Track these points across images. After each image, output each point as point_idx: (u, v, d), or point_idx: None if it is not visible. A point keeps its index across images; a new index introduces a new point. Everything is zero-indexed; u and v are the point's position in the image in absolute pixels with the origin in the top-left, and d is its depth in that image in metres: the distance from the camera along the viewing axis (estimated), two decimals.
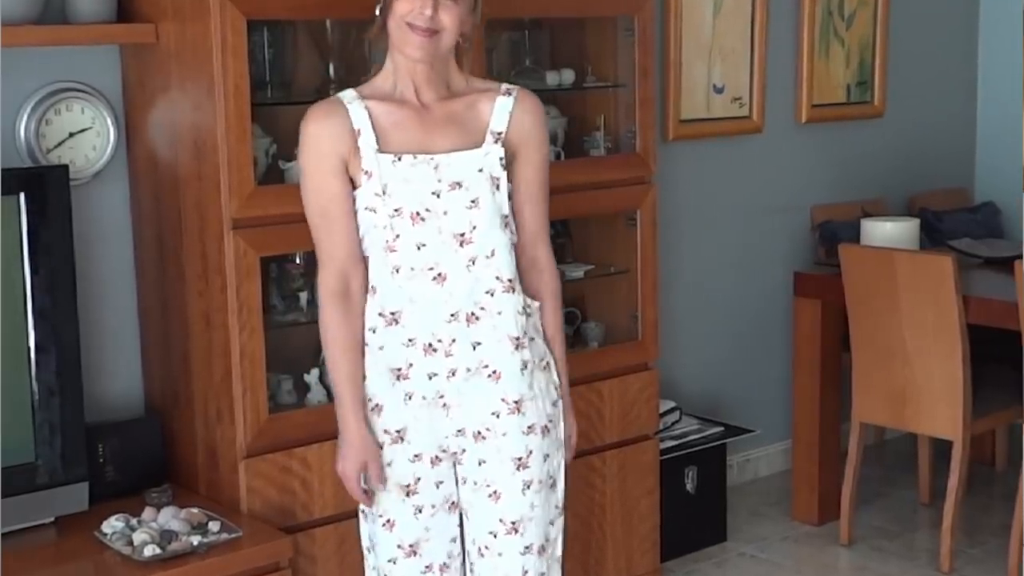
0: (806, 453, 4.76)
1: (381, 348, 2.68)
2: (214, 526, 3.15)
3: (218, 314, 3.28)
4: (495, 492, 2.71)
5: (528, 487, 2.71)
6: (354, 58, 3.61)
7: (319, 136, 2.65)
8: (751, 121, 5.03)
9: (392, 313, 2.65)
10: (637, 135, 4.00)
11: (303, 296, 3.52)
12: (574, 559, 3.93)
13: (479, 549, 2.75)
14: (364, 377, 2.71)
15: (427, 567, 2.76)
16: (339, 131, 2.64)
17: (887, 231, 4.62)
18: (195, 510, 3.21)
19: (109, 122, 3.46)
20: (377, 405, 2.71)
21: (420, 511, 2.73)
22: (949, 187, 5.69)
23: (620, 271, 4.09)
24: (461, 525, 2.80)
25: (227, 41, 3.16)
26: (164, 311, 3.50)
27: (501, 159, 2.68)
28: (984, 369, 4.36)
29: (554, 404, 2.77)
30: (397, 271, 2.63)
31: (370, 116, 2.65)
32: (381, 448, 2.71)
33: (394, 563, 2.76)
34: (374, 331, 2.68)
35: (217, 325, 3.29)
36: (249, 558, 3.11)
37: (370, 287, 2.67)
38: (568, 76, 4.01)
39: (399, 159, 2.62)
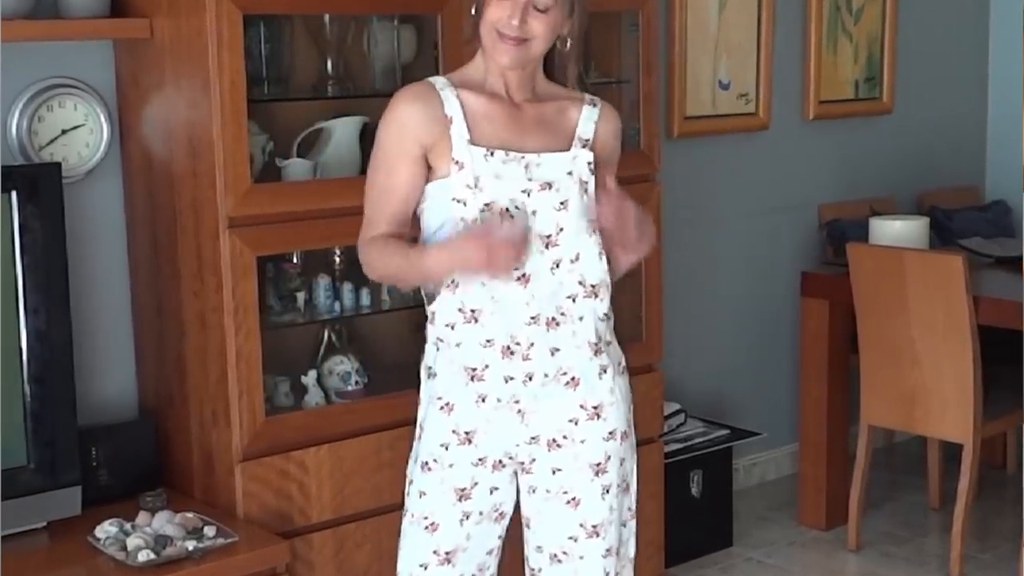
0: (813, 456, 4.76)
1: (458, 345, 2.65)
2: (210, 531, 3.15)
3: (214, 314, 3.28)
4: (574, 499, 2.71)
5: (607, 491, 2.72)
6: (353, 54, 3.61)
7: (406, 119, 2.64)
8: (757, 118, 5.02)
9: (472, 311, 2.63)
10: (641, 132, 3.99)
11: (300, 296, 3.52)
12: None
13: (552, 556, 2.74)
14: (433, 375, 2.70)
15: None
16: (428, 118, 2.63)
17: (896, 230, 4.62)
18: (190, 515, 3.21)
19: (102, 119, 3.46)
20: (448, 404, 2.68)
21: (468, 517, 2.71)
22: (959, 185, 5.69)
23: None
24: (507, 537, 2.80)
25: (223, 36, 3.16)
26: (159, 311, 3.49)
27: (589, 163, 2.68)
28: (995, 371, 4.36)
29: (631, 410, 2.77)
30: None
31: (462, 105, 2.65)
32: (446, 449, 2.68)
33: (424, 568, 2.72)
34: (452, 327, 2.65)
35: (213, 326, 3.29)
36: (245, 564, 3.10)
37: (449, 280, 2.64)
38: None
39: (492, 154, 2.62)
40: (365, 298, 3.57)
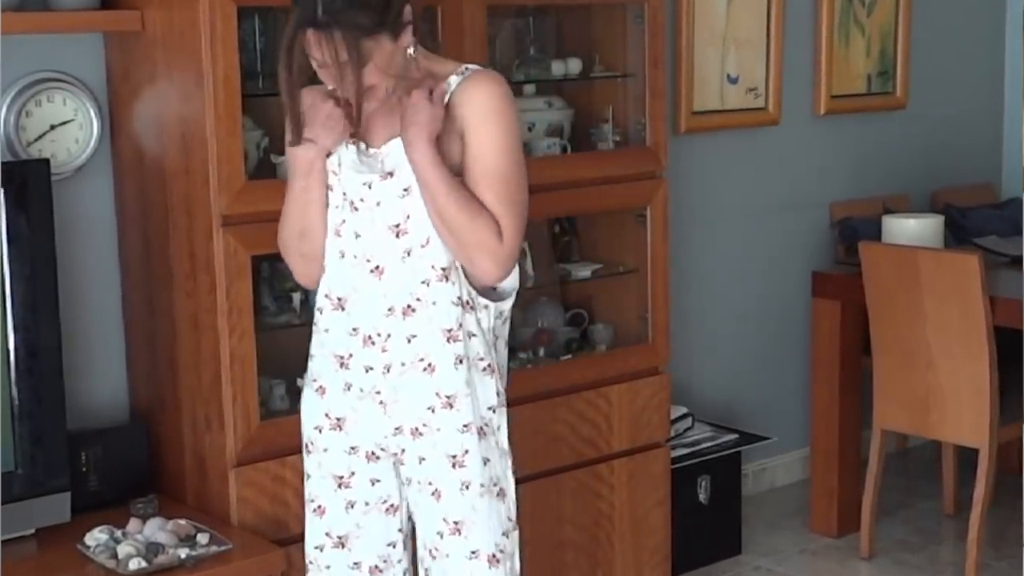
0: (825, 462, 4.76)
1: (327, 331, 2.75)
2: (203, 538, 3.14)
3: (207, 315, 3.27)
4: (436, 491, 2.72)
5: (467, 487, 2.71)
6: None
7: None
8: (767, 113, 5.02)
9: (339, 298, 2.73)
10: (647, 128, 3.99)
11: (296, 297, 3.51)
12: (580, 573, 3.92)
13: (429, 552, 2.77)
14: (312, 356, 2.79)
15: (356, 564, 2.81)
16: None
17: (910, 228, 4.61)
18: (183, 521, 3.21)
19: (92, 114, 3.46)
20: (321, 387, 2.78)
21: (352, 506, 2.78)
22: (975, 182, 5.68)
23: (629, 270, 4.08)
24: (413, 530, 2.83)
25: (216, 29, 3.16)
26: (150, 312, 3.49)
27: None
28: (1012, 373, 4.35)
29: (491, 409, 2.74)
30: (342, 256, 2.72)
31: None
32: (320, 432, 2.78)
33: (320, 550, 2.82)
34: (321, 312, 2.76)
35: (206, 327, 3.28)
36: (239, 572, 3.10)
37: (323, 266, 2.76)
38: (575, 65, 4.00)
39: (347, 145, 2.69)
40: None
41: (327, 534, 2.81)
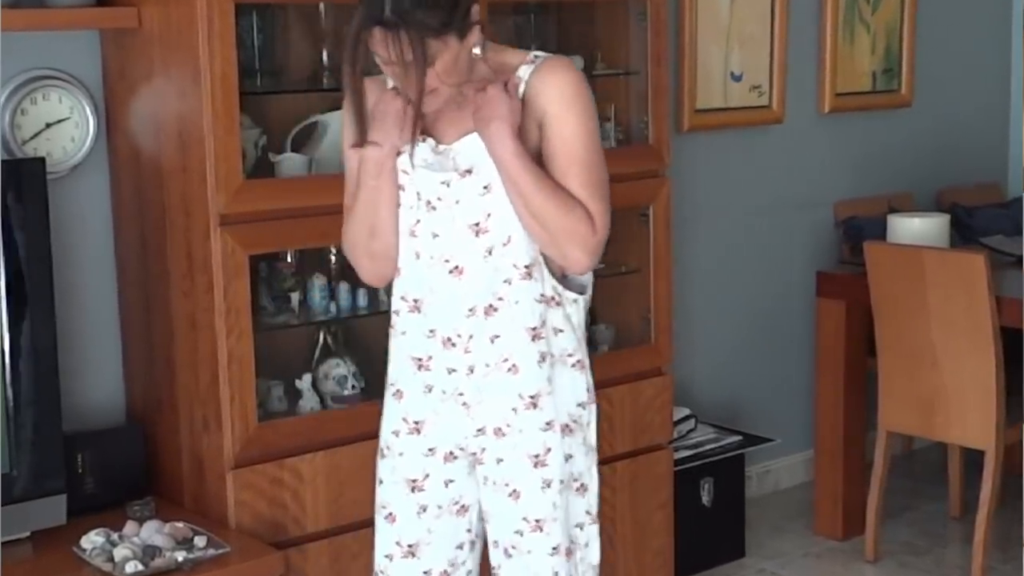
0: (829, 464, 4.75)
1: (404, 333, 2.72)
2: (200, 541, 3.14)
3: (204, 316, 3.27)
4: (515, 491, 2.71)
5: (548, 486, 2.71)
6: None
7: None
8: (771, 111, 5.02)
9: (415, 300, 2.69)
10: (650, 126, 3.99)
11: (294, 297, 3.51)
12: None
13: (505, 551, 2.75)
14: (389, 360, 2.76)
15: (425, 572, 2.77)
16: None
17: (915, 228, 4.61)
18: (180, 524, 3.21)
19: (88, 112, 3.46)
20: (399, 391, 2.74)
21: (424, 510, 2.74)
22: (981, 181, 5.68)
23: (632, 270, 4.08)
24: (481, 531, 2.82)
25: (214, 25, 3.16)
26: (147, 312, 3.49)
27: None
28: (1018, 374, 4.34)
29: (580, 406, 2.75)
30: (418, 257, 2.68)
31: None
32: (397, 436, 2.74)
33: (390, 559, 2.78)
34: (398, 314, 2.72)
35: (203, 327, 3.28)
36: (237, 575, 3.09)
37: (398, 267, 2.72)
38: (577, 63, 3.98)
39: (423, 140, 2.65)
40: (362, 299, 3.57)
41: (397, 543, 2.76)
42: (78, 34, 3.45)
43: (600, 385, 3.89)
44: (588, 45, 4.08)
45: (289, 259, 3.52)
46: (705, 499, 4.45)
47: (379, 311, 3.61)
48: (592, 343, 4.10)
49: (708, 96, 4.81)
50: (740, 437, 4.61)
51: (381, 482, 2.78)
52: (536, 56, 2.65)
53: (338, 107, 3.53)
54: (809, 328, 4.96)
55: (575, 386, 2.74)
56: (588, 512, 2.80)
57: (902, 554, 4.64)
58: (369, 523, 3.42)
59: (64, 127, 3.44)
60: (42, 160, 3.22)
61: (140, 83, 3.39)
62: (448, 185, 2.62)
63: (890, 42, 5.38)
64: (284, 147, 3.49)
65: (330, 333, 3.64)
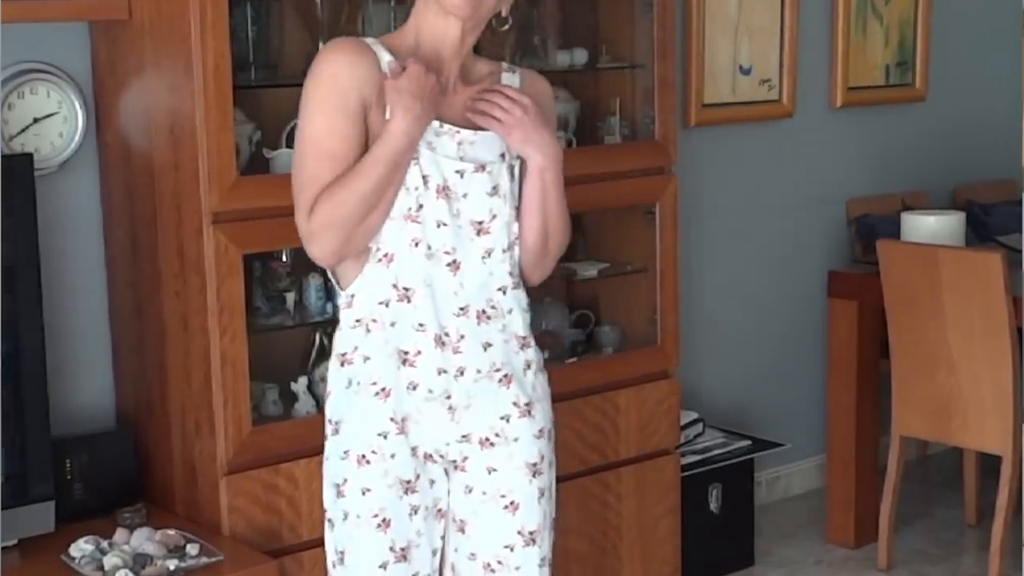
0: (841, 469, 4.75)
1: (392, 325, 2.63)
2: (192, 549, 3.14)
3: (197, 317, 3.27)
4: (512, 503, 2.71)
5: (543, 495, 2.75)
6: (346, 36, 3.60)
7: (341, 73, 2.57)
8: (781, 105, 5.01)
9: (406, 289, 2.62)
10: (656, 121, 3.99)
11: (290, 297, 3.51)
12: None
13: (486, 565, 2.74)
14: (366, 359, 2.66)
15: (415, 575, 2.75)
16: (365, 71, 2.57)
17: (930, 226, 4.61)
18: (172, 531, 3.21)
19: (77, 106, 3.46)
20: (384, 389, 2.66)
21: (416, 512, 2.71)
22: (997, 178, 5.68)
23: (637, 270, 4.08)
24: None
25: (207, 17, 3.15)
26: (138, 313, 3.49)
27: None
28: None
29: (552, 410, 2.82)
30: (416, 245, 2.61)
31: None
32: (385, 439, 2.65)
33: (384, 568, 2.69)
34: (386, 305, 2.63)
35: (195, 329, 3.28)
36: None
37: (380, 254, 2.61)
38: (580, 56, 4.00)
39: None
40: None
41: (391, 548, 2.69)
42: (66, 26, 3.45)
43: (605, 388, 3.93)
44: (593, 37, 4.08)
45: (284, 258, 3.52)
46: (713, 506, 4.45)
47: None
48: (597, 345, 4.11)
49: (716, 90, 4.81)
50: (749, 442, 4.61)
51: (369, 490, 2.67)
52: (510, 67, 2.75)
53: None
54: (820, 329, 4.96)
55: (548, 392, 2.80)
56: (553, 517, 2.83)
57: (916, 562, 4.64)
58: None
59: (52, 122, 3.43)
60: (29, 156, 3.23)
61: (131, 77, 3.39)
62: (462, 176, 2.62)
63: (904, 34, 5.37)
64: (279, 142, 3.48)
65: (326, 335, 3.63)
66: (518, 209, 2.71)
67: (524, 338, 2.72)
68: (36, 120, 3.41)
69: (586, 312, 4.16)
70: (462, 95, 2.68)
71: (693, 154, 4.67)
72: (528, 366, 2.73)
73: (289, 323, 3.50)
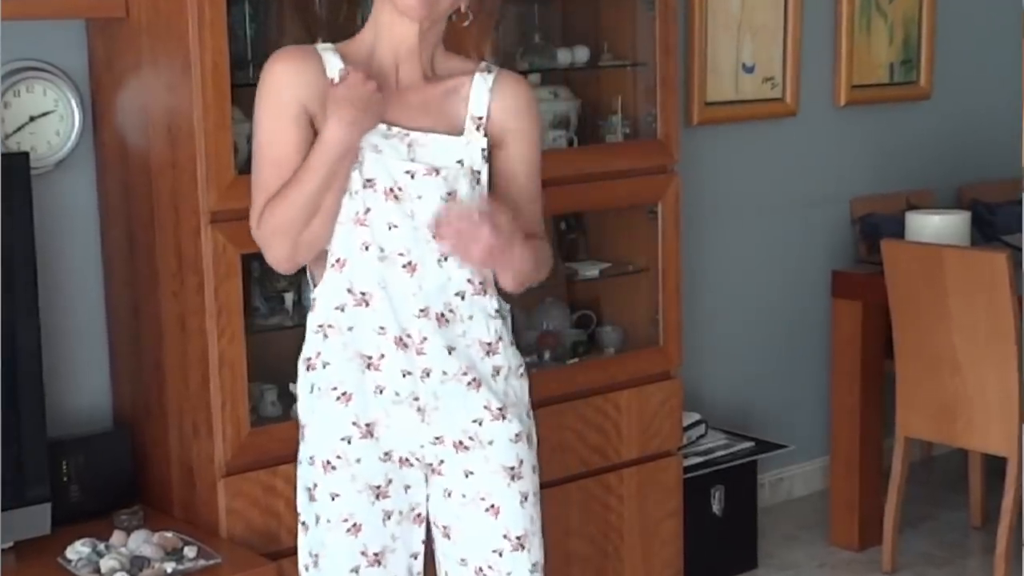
0: (845, 471, 4.75)
1: (350, 329, 2.65)
2: (190, 552, 3.14)
3: (194, 317, 3.27)
4: (493, 506, 2.70)
5: (526, 499, 2.72)
6: (345, 34, 3.59)
7: (284, 79, 2.61)
8: (784, 104, 5.01)
9: (362, 293, 2.63)
10: (658, 119, 3.99)
11: (288, 297, 3.51)
12: None
13: (478, 569, 2.73)
14: (325, 364, 2.67)
15: None
16: (308, 78, 2.60)
17: (935, 225, 4.61)
18: (169, 534, 3.21)
19: (74, 105, 3.46)
20: (345, 394, 2.67)
21: (389, 517, 2.72)
22: (1003, 177, 5.67)
23: (639, 269, 4.08)
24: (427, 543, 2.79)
25: (204, 15, 3.16)
26: (135, 314, 3.49)
27: (484, 151, 2.66)
28: None
29: (529, 416, 2.78)
30: (366, 248, 2.62)
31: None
32: (349, 443, 2.67)
33: (356, 573, 2.70)
34: (342, 310, 2.65)
35: (193, 329, 3.28)
36: None
37: (333, 259, 2.64)
38: (582, 54, 4.00)
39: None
40: None
41: (363, 553, 2.70)
42: (63, 24, 3.45)
43: (606, 389, 3.93)
44: (594, 35, 4.08)
45: None
46: (716, 508, 4.45)
47: None
48: (598, 345, 4.11)
49: (719, 88, 4.81)
50: (752, 443, 4.60)
51: (338, 495, 2.68)
52: (488, 66, 2.70)
53: None
54: (824, 330, 4.96)
55: (526, 396, 2.76)
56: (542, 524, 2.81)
57: (921, 565, 4.63)
58: None
59: (49, 120, 3.43)
60: (26, 155, 3.22)
61: (128, 75, 3.39)
62: (413, 177, 2.60)
63: (908, 32, 5.37)
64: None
65: None
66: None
67: (489, 344, 2.67)
68: (32, 118, 3.41)
69: (587, 312, 4.16)
70: (424, 93, 2.65)
71: (695, 153, 4.67)
72: (497, 372, 2.69)
73: (288, 323, 3.49)
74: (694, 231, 4.65)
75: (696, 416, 4.55)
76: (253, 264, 3.46)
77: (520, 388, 2.75)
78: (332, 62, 2.62)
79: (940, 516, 5.04)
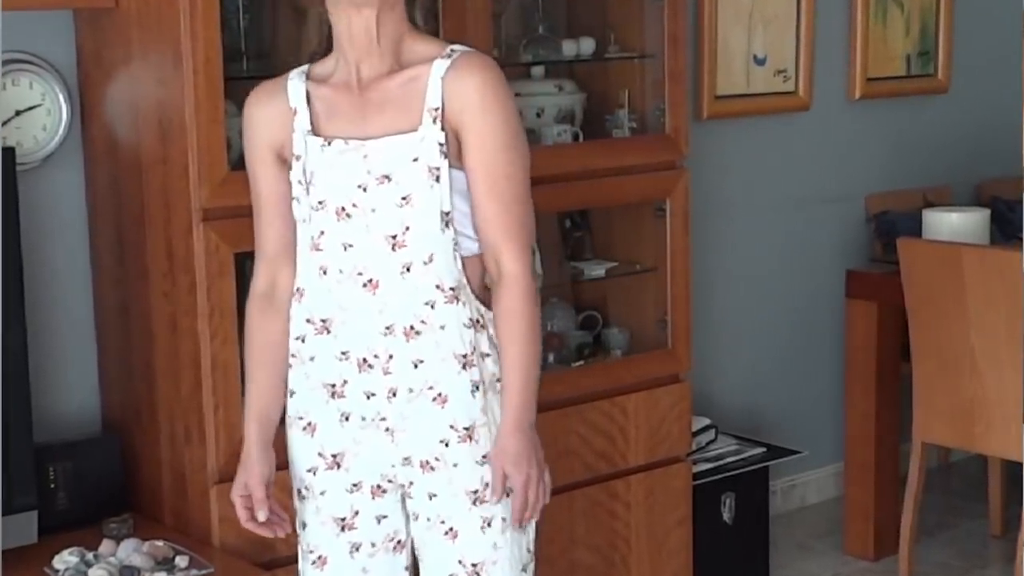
0: (860, 477, 4.75)
1: (312, 359, 2.67)
2: (182, 561, 3.15)
3: (186, 318, 3.27)
4: (452, 529, 2.69)
5: (489, 525, 2.68)
6: None
7: (252, 121, 2.72)
8: (797, 97, 5.02)
9: (323, 320, 2.65)
10: (666, 113, 3.99)
11: None
12: None
13: None
14: (291, 393, 2.72)
15: None
16: (274, 114, 2.67)
17: (953, 223, 4.61)
18: (160, 543, 3.21)
19: (61, 98, 3.46)
20: (310, 424, 2.70)
21: (357, 549, 2.72)
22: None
23: (647, 269, 4.08)
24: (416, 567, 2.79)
25: (196, 5, 3.16)
26: (124, 315, 3.49)
27: (441, 145, 2.58)
28: None
29: None
30: (324, 273, 2.63)
31: (308, 95, 2.65)
32: (314, 475, 2.71)
33: None
34: (303, 340, 2.68)
35: (185, 331, 3.28)
36: None
37: (295, 290, 2.69)
38: (588, 46, 3.99)
39: (328, 144, 2.60)
40: None
41: None
42: (50, 15, 3.45)
43: (613, 393, 3.93)
44: (600, 26, 4.08)
45: None
46: (726, 516, 4.45)
47: None
48: (604, 347, 4.10)
49: (729, 81, 4.81)
50: (764, 449, 4.60)
51: (304, 525, 2.75)
52: (453, 50, 2.62)
53: None
54: (838, 331, 4.96)
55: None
56: (529, 550, 2.76)
57: (938, 575, 4.63)
58: None
59: (35, 115, 3.44)
60: (11, 150, 3.22)
61: (117, 68, 3.39)
62: (365, 190, 2.58)
63: (925, 23, 5.37)
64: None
65: None
66: (449, 213, 2.60)
67: (465, 356, 2.62)
68: (18, 112, 3.42)
69: (593, 313, 4.16)
70: (384, 88, 2.61)
71: (705, 148, 4.67)
72: (476, 387, 2.64)
73: None
74: (703, 229, 4.65)
75: (706, 421, 4.55)
76: (246, 263, 3.45)
77: (500, 404, 2.66)
78: (297, 90, 2.66)
79: (959, 525, 5.04)
